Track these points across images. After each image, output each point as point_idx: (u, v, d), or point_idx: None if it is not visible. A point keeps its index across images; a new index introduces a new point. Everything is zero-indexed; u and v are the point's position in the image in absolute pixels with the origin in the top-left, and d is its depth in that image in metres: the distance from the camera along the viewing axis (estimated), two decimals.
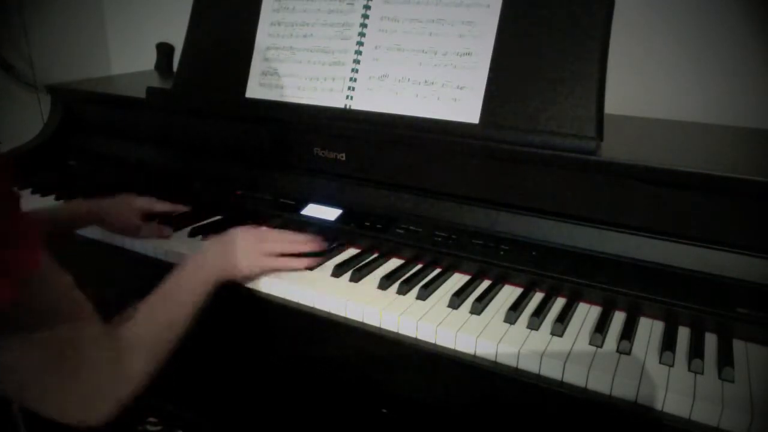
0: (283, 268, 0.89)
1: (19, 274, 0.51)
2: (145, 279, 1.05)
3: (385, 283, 0.87)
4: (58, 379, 0.58)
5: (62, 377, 0.58)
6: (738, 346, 0.74)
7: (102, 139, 1.34)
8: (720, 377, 0.68)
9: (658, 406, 0.66)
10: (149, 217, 1.05)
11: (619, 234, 0.84)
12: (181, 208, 1.10)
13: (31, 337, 0.55)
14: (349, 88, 1.03)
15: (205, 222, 1.07)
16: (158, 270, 0.97)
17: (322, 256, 0.94)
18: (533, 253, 0.87)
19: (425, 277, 0.90)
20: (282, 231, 0.96)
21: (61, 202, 1.14)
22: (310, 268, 0.91)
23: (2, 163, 0.52)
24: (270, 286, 0.88)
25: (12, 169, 0.53)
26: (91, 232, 1.05)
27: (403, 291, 0.85)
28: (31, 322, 0.55)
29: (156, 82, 1.51)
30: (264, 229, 0.97)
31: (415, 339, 0.78)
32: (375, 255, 0.96)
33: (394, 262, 0.95)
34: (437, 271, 0.92)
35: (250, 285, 0.90)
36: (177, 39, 1.43)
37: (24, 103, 1.75)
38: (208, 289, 0.80)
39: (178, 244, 1.00)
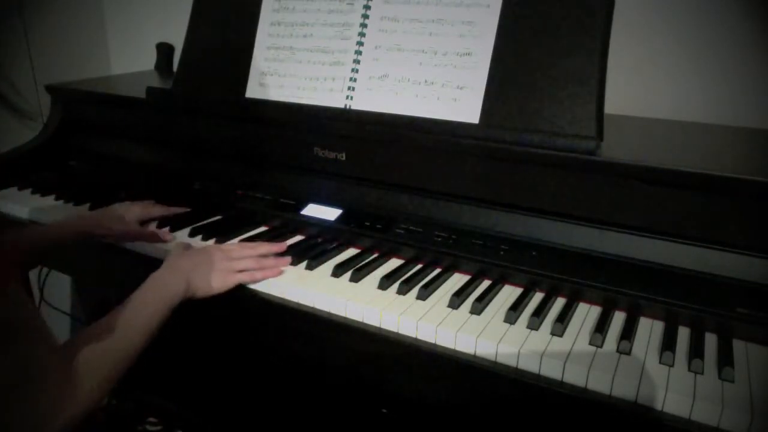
0: (250, 282, 0.88)
1: None
2: (144, 280, 1.05)
3: (385, 283, 0.87)
4: (5, 399, 0.58)
5: (9, 397, 0.59)
6: (738, 346, 0.74)
7: (102, 139, 1.34)
8: (720, 377, 0.68)
9: (658, 406, 0.66)
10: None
11: (619, 234, 0.84)
12: (177, 210, 1.10)
13: None
14: (349, 88, 1.03)
15: (205, 222, 1.08)
16: (157, 269, 0.98)
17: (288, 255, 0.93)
18: (533, 253, 0.87)
19: (425, 277, 0.90)
20: (243, 244, 0.95)
21: (50, 223, 1.10)
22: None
23: None
24: (269, 286, 0.88)
25: None
26: None
27: (403, 291, 0.85)
28: None
29: (156, 82, 1.51)
30: (226, 245, 0.96)
31: (415, 339, 0.78)
32: (375, 255, 0.96)
33: (394, 262, 0.95)
34: (437, 271, 0.92)
35: (250, 286, 0.90)
36: (177, 39, 1.43)
37: (24, 103, 1.75)
38: (170, 309, 0.80)
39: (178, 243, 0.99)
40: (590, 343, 0.74)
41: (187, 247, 0.95)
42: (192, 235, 1.02)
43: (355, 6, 1.04)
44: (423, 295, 0.84)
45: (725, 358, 0.70)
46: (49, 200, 1.20)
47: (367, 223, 0.98)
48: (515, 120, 0.89)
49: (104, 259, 1.07)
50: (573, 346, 0.74)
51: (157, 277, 0.83)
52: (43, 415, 0.61)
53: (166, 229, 1.04)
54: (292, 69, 1.08)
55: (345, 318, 0.83)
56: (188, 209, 1.11)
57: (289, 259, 0.93)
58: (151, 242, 1.00)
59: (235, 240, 1.00)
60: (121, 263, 1.04)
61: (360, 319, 0.82)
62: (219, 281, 0.86)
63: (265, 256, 0.92)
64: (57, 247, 0.98)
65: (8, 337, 0.58)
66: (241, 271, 0.88)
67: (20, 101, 0.61)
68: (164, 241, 1.00)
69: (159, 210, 1.08)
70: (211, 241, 1.00)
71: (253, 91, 1.12)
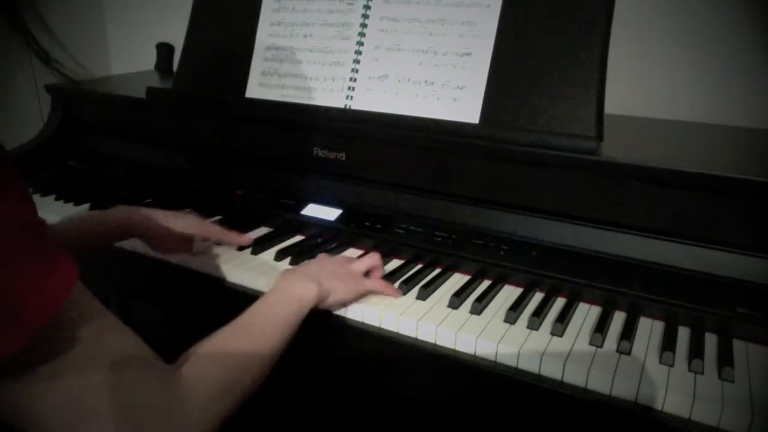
0: (379, 289, 0.84)
1: (35, 322, 0.42)
2: (144, 280, 1.06)
3: None
4: (98, 423, 0.47)
5: (102, 421, 0.47)
6: (738, 346, 0.74)
7: (102, 139, 1.34)
8: (720, 377, 0.68)
9: (658, 406, 0.66)
10: None
11: (619, 234, 0.84)
12: (247, 240, 0.99)
13: (60, 375, 0.45)
14: (349, 88, 1.03)
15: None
16: (158, 270, 0.98)
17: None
18: (533, 253, 0.87)
19: (425, 277, 0.90)
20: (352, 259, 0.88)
21: (96, 211, 0.98)
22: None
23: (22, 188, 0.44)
24: (268, 287, 0.88)
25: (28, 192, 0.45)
26: None
27: (402, 291, 0.85)
28: (59, 358, 0.45)
29: (156, 82, 1.51)
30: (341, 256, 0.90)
31: (415, 339, 0.78)
32: None
33: (394, 263, 0.95)
34: (437, 271, 0.92)
35: (240, 282, 0.90)
36: (177, 39, 1.43)
37: (24, 103, 1.75)
38: (300, 316, 0.72)
39: None
40: (590, 343, 0.74)
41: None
42: None
43: (355, 6, 1.04)
44: (423, 295, 0.84)
45: (725, 358, 0.70)
46: (49, 200, 1.20)
47: (367, 223, 0.98)
48: (515, 120, 0.89)
49: (104, 260, 1.07)
50: (573, 346, 0.74)
51: (285, 280, 0.76)
52: None
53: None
54: (292, 69, 1.08)
55: (344, 318, 0.83)
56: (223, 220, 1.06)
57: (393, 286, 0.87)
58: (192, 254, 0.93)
59: None
60: (121, 263, 1.04)
61: (360, 319, 0.82)
62: (350, 289, 0.81)
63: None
64: (107, 238, 0.90)
65: (82, 361, 0.47)
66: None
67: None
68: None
69: (216, 232, 0.96)
70: (211, 241, 1.00)
71: (253, 91, 1.12)
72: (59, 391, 0.46)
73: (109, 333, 0.50)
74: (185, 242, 0.93)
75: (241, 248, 0.97)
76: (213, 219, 1.10)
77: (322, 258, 0.86)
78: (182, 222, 0.92)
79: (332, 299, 0.79)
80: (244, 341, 0.64)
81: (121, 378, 0.49)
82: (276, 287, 0.75)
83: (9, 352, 0.41)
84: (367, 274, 0.86)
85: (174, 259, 0.96)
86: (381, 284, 0.85)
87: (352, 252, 0.98)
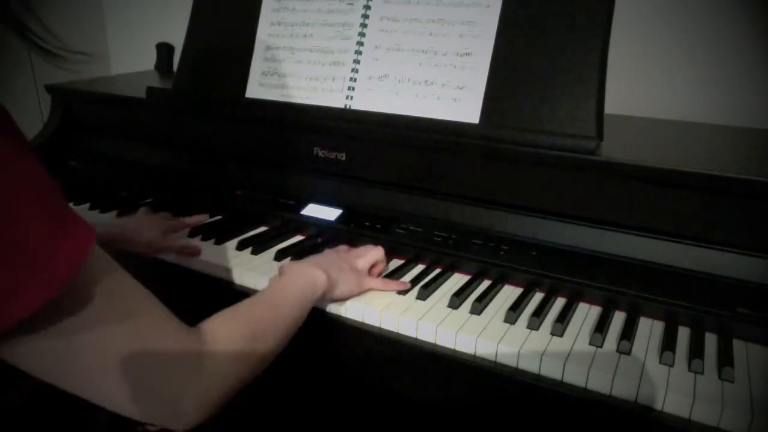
0: (382, 289, 0.85)
1: (62, 273, 0.44)
2: (143, 280, 1.05)
3: None
4: (125, 378, 0.50)
5: (130, 376, 0.50)
6: (738, 346, 0.74)
7: (102, 139, 1.34)
8: (720, 377, 0.68)
9: (658, 406, 0.66)
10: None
11: (619, 234, 0.84)
12: (202, 219, 1.07)
13: (85, 332, 0.48)
14: (349, 88, 1.03)
15: (204, 222, 1.07)
16: (158, 270, 0.98)
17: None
18: (533, 253, 0.87)
19: (425, 277, 0.90)
20: (364, 247, 0.90)
21: None
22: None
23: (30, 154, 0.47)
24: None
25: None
26: None
27: (402, 291, 0.85)
28: (83, 316, 0.48)
29: (156, 82, 1.51)
30: (347, 248, 0.91)
31: (415, 339, 0.78)
32: None
33: (394, 263, 0.95)
34: (437, 271, 0.92)
35: (241, 282, 0.90)
36: (177, 39, 1.43)
37: (24, 103, 1.75)
38: (310, 302, 0.74)
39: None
40: (590, 343, 0.74)
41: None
42: (191, 235, 1.02)
43: (355, 6, 1.04)
44: (423, 295, 0.84)
45: (725, 358, 0.70)
46: None
47: (367, 223, 0.98)
48: (515, 120, 0.89)
49: None
50: (573, 346, 0.74)
51: (296, 267, 0.77)
52: (174, 396, 0.53)
53: (197, 239, 1.00)
54: (292, 69, 1.08)
55: (345, 318, 0.83)
56: (210, 218, 1.10)
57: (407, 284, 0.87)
58: (180, 255, 0.96)
59: (235, 240, 0.99)
60: (121, 263, 1.03)
61: (360, 319, 0.82)
62: (356, 282, 0.83)
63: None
64: None
65: (107, 314, 0.49)
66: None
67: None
68: (194, 255, 0.95)
69: (189, 220, 1.05)
70: (211, 241, 1.00)
71: (253, 91, 1.12)
72: (84, 346, 0.48)
73: (129, 290, 0.53)
74: (161, 242, 0.97)
75: (241, 248, 0.97)
76: (212, 219, 1.10)
77: (329, 253, 0.87)
78: (146, 225, 0.98)
79: (338, 292, 0.81)
80: (265, 310, 0.67)
81: (145, 329, 0.52)
82: (287, 271, 0.77)
83: (37, 304, 0.43)
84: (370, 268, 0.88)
85: (174, 259, 0.96)
86: (383, 283, 0.86)
87: None
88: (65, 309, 0.46)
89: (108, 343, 0.49)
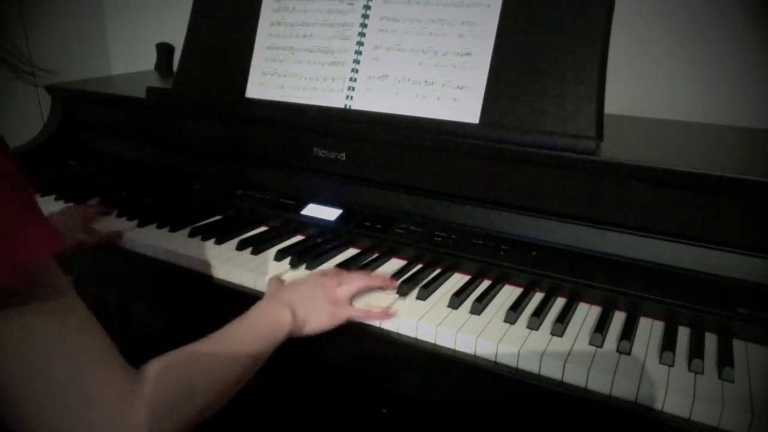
0: (364, 319, 0.80)
1: (21, 262, 0.44)
2: (144, 280, 1.06)
3: None
4: (50, 399, 0.48)
5: (54, 398, 0.48)
6: (738, 346, 0.74)
7: (102, 139, 1.34)
8: (720, 377, 0.68)
9: (658, 406, 0.66)
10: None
11: (619, 234, 0.84)
12: (93, 203, 1.13)
13: (20, 346, 0.47)
14: (349, 88, 1.03)
15: (204, 222, 1.07)
16: (162, 271, 0.98)
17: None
18: (533, 253, 0.87)
19: (425, 277, 0.90)
20: (353, 273, 0.86)
21: None
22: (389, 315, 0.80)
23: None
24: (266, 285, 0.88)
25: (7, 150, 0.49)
26: None
27: (403, 291, 0.85)
28: (25, 334, 0.47)
29: (156, 82, 1.51)
30: (331, 271, 0.86)
31: (415, 339, 0.78)
32: (375, 255, 0.96)
33: (394, 262, 0.95)
34: (437, 271, 0.92)
35: (240, 281, 0.90)
36: (177, 39, 1.43)
37: (24, 103, 1.75)
38: (273, 344, 0.71)
39: (177, 244, 0.99)
40: (590, 343, 0.74)
41: (280, 282, 0.85)
42: (191, 235, 1.02)
43: (355, 6, 1.04)
44: (423, 295, 0.84)
45: (725, 358, 0.70)
46: (49, 200, 1.20)
47: (367, 223, 0.98)
48: (515, 120, 0.89)
49: (102, 260, 1.07)
50: (573, 346, 0.74)
51: (259, 307, 0.73)
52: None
53: (197, 238, 1.00)
54: (292, 69, 1.08)
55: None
56: (99, 199, 1.16)
57: (395, 285, 0.85)
58: (103, 242, 1.00)
59: (235, 240, 0.99)
60: (121, 264, 1.04)
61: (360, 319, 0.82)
62: (330, 314, 0.77)
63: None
64: None
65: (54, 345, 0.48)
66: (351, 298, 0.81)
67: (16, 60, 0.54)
68: (119, 238, 1.01)
69: (93, 209, 1.09)
70: (211, 241, 1.00)
71: (253, 91, 1.12)
72: (21, 359, 0.47)
73: (78, 318, 0.51)
74: (86, 233, 1.01)
75: (241, 248, 0.97)
76: (212, 219, 1.10)
77: (309, 281, 0.81)
78: (68, 219, 1.01)
79: (307, 329, 0.77)
80: (213, 358, 0.63)
81: (81, 367, 0.49)
82: (256, 308, 0.73)
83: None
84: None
85: (174, 259, 0.96)
86: (363, 313, 0.80)
87: (352, 251, 0.98)
88: (14, 313, 0.46)
89: (43, 361, 0.48)
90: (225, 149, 1.17)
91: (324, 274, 0.84)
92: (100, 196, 1.19)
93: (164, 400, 0.54)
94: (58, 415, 0.48)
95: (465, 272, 0.91)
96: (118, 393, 0.51)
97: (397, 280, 0.88)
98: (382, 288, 0.85)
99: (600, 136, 0.85)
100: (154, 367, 0.56)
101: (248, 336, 0.69)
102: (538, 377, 0.71)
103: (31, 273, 0.47)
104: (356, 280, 0.82)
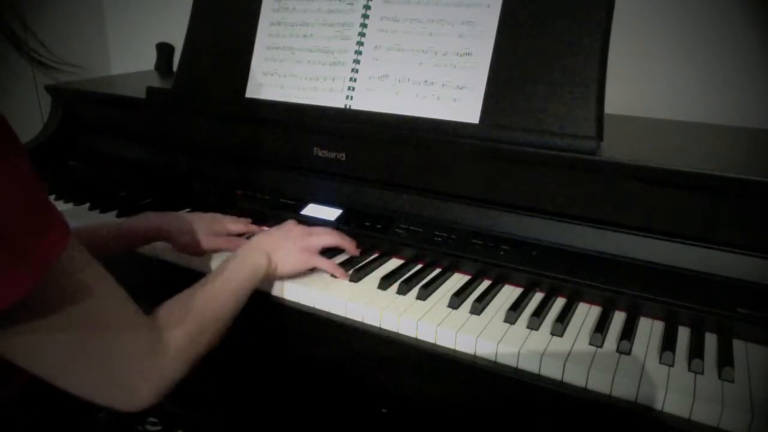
0: (329, 270, 0.88)
1: (44, 263, 0.48)
2: (149, 280, 1.05)
3: (385, 283, 0.87)
4: (89, 364, 0.56)
5: (93, 362, 0.56)
6: (738, 346, 0.74)
7: (102, 139, 1.34)
8: (720, 377, 0.68)
9: (658, 406, 0.66)
10: None
11: (619, 234, 0.84)
12: (254, 228, 1.03)
13: (56, 322, 0.52)
14: (349, 88, 1.03)
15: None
16: (162, 271, 0.98)
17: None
18: (533, 253, 0.87)
19: (425, 277, 0.90)
20: (324, 227, 0.94)
21: (123, 218, 1.06)
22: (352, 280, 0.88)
23: (18, 147, 0.51)
24: (267, 285, 0.88)
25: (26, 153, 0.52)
26: None
27: (403, 291, 0.85)
28: (55, 307, 0.52)
29: (156, 82, 1.51)
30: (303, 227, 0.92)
31: (415, 339, 0.78)
32: (375, 255, 0.96)
33: (394, 262, 0.95)
34: (437, 271, 0.92)
35: None
36: (177, 39, 1.43)
37: (24, 103, 1.75)
38: (253, 284, 0.79)
39: None
40: (590, 343, 0.74)
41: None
42: None
43: (355, 6, 1.04)
44: (423, 295, 0.84)
45: (725, 358, 0.70)
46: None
47: (367, 223, 0.98)
48: (515, 120, 0.89)
49: (103, 261, 1.07)
50: (573, 346, 0.74)
51: (238, 253, 0.82)
52: (130, 381, 0.58)
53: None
54: (292, 69, 1.08)
55: (345, 318, 0.83)
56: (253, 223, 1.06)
57: (357, 253, 0.94)
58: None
59: None
60: (122, 264, 1.03)
61: (360, 319, 0.82)
62: (299, 260, 0.86)
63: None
64: (134, 242, 0.94)
65: (79, 302, 0.54)
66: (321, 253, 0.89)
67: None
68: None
69: (237, 225, 1.00)
70: None
71: (253, 91, 1.12)
72: (52, 341, 0.53)
73: (101, 286, 0.57)
74: (214, 240, 0.96)
75: None
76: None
77: (282, 230, 0.89)
78: (205, 222, 0.97)
79: (280, 272, 0.85)
80: (208, 301, 0.71)
81: (107, 330, 0.57)
82: (235, 255, 0.81)
83: (20, 294, 0.46)
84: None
85: (174, 259, 0.96)
86: (329, 264, 0.88)
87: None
88: (38, 305, 0.50)
89: (74, 332, 0.54)
90: (225, 149, 1.17)
91: (296, 224, 0.92)
92: (100, 196, 1.19)
93: (184, 339, 0.64)
94: (98, 374, 0.57)
95: (465, 272, 0.91)
96: (150, 347, 0.60)
97: (397, 280, 0.88)
98: (347, 250, 0.94)
99: (600, 136, 0.85)
100: (167, 312, 0.66)
101: (235, 279, 0.77)
102: (538, 377, 0.71)
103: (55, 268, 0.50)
104: (326, 234, 0.91)
